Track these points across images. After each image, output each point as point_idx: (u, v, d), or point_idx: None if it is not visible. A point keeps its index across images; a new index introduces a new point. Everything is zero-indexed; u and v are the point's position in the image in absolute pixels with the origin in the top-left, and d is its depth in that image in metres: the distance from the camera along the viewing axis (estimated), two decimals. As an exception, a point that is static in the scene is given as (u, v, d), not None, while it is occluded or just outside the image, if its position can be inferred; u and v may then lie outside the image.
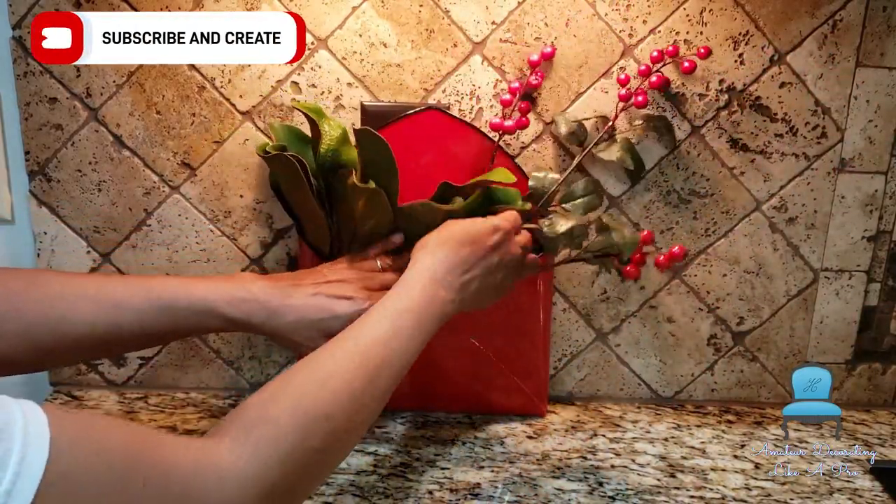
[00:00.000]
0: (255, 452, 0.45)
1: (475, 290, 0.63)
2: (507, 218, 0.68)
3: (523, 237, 0.70)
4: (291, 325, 0.64)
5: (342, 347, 0.54)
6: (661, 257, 0.76)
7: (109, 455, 0.39)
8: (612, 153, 0.81)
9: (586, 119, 0.82)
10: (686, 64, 0.80)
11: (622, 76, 0.80)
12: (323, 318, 0.64)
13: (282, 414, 0.48)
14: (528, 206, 0.74)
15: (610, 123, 0.81)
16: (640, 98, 0.80)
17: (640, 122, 0.82)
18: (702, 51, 0.80)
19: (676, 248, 0.77)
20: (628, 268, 0.75)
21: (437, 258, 0.62)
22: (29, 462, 0.35)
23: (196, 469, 0.42)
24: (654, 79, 0.80)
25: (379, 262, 0.70)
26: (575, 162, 0.81)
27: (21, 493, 0.34)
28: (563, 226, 0.72)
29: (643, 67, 0.80)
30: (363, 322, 0.57)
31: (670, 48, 0.80)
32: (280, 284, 0.66)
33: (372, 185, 0.67)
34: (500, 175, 0.73)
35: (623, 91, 0.80)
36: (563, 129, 0.81)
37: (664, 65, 0.80)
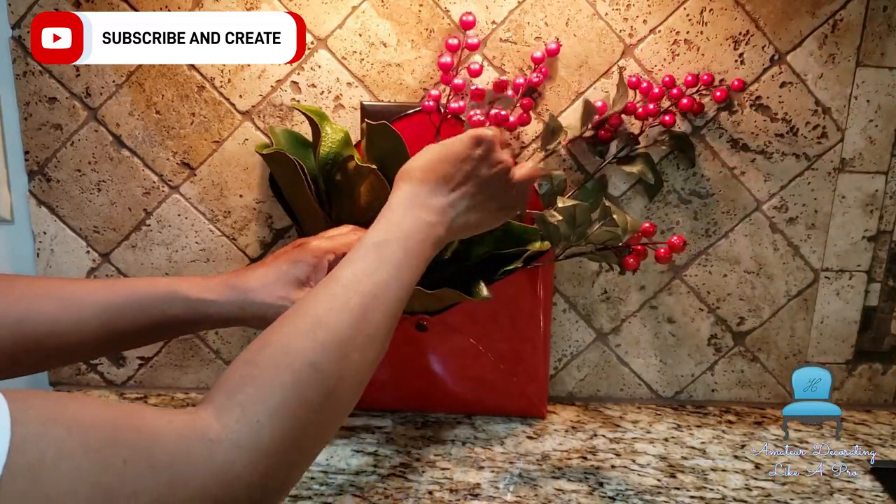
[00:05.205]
0: (242, 415, 0.42)
1: (467, 208, 0.59)
2: (485, 130, 0.61)
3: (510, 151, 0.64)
4: (258, 288, 0.61)
5: (324, 289, 0.50)
6: (662, 249, 0.76)
7: (84, 434, 0.36)
8: (634, 166, 0.82)
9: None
10: (718, 94, 0.81)
11: (656, 90, 0.81)
12: (289, 269, 0.62)
13: (264, 371, 0.44)
14: (547, 245, 0.76)
15: (634, 137, 0.82)
16: (667, 118, 0.81)
17: (663, 137, 0.83)
18: (736, 83, 0.81)
19: (675, 237, 0.76)
20: (629, 258, 0.74)
21: (416, 181, 0.57)
22: None
23: (181, 440, 0.39)
24: (685, 101, 0.81)
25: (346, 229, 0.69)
26: (596, 172, 0.82)
27: None
28: (563, 204, 0.72)
29: (675, 90, 0.81)
30: (346, 260, 0.52)
31: (705, 76, 0.81)
32: (248, 265, 0.64)
33: (373, 165, 0.68)
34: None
35: (651, 106, 0.81)
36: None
37: (696, 91, 0.81)
